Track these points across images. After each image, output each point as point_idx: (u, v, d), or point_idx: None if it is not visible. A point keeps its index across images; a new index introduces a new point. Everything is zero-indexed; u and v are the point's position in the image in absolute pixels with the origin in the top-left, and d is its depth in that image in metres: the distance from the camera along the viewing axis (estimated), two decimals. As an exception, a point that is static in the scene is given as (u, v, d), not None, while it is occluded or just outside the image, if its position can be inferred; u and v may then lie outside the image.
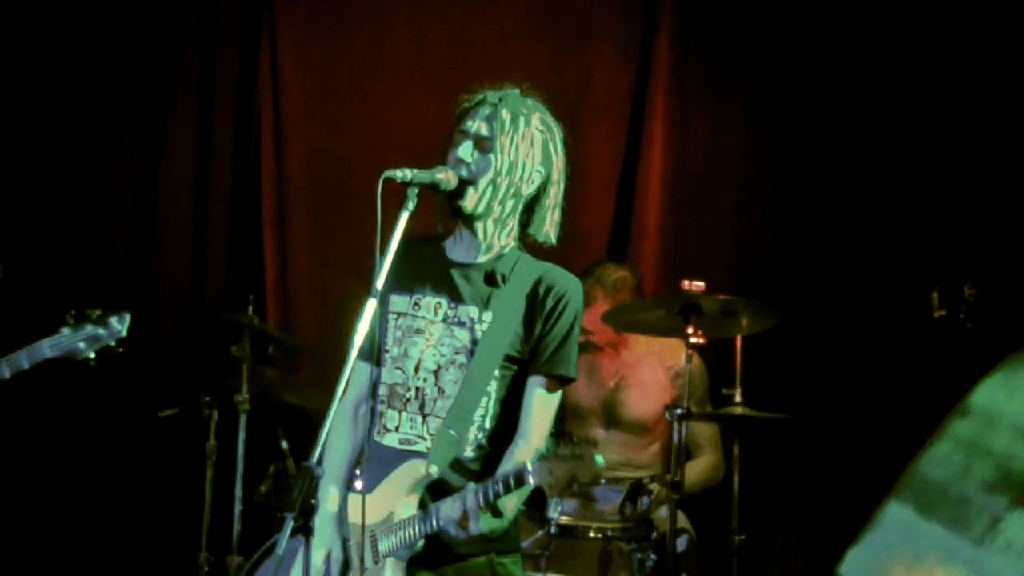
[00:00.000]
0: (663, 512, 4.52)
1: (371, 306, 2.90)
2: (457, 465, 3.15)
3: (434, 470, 3.10)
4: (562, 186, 3.26)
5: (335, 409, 2.78)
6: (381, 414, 3.24)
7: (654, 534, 4.41)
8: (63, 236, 5.73)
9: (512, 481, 2.88)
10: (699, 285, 4.48)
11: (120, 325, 3.77)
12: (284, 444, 4.85)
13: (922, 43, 5.18)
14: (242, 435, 4.73)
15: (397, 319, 3.24)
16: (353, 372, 3.18)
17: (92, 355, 3.76)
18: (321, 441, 2.77)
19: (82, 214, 5.79)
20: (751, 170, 5.59)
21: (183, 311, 5.75)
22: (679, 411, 4.43)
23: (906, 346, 4.91)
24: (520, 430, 3.17)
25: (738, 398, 4.54)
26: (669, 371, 5.10)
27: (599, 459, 2.80)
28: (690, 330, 4.47)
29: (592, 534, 4.46)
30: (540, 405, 3.18)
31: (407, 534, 3.07)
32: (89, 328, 3.75)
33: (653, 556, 4.35)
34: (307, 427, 4.84)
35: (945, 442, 2.12)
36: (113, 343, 3.77)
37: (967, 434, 2.11)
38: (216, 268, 5.89)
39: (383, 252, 2.95)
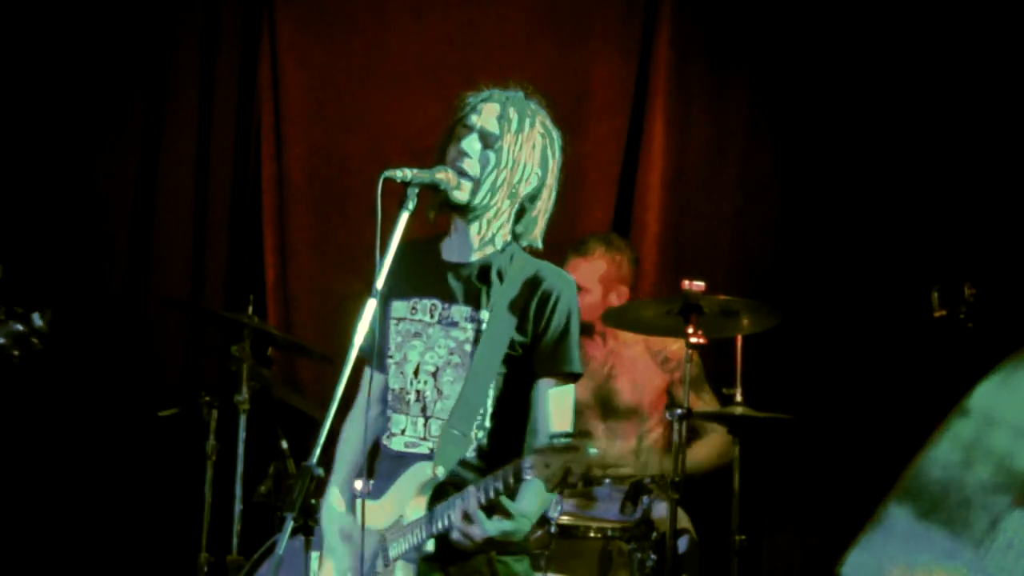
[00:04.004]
0: (663, 512, 4.52)
1: (371, 306, 2.91)
2: (462, 464, 3.14)
3: (440, 471, 3.09)
4: (554, 192, 3.26)
5: (333, 410, 2.79)
6: (388, 419, 3.25)
7: (654, 534, 4.41)
8: (63, 236, 5.73)
9: (510, 477, 2.87)
10: (699, 285, 4.48)
11: (41, 321, 3.78)
12: (284, 444, 4.85)
13: (922, 43, 5.18)
14: (242, 435, 4.73)
15: (397, 324, 3.25)
16: (364, 378, 3.26)
17: (16, 352, 3.78)
18: (321, 441, 2.78)
19: (82, 213, 5.79)
20: (751, 170, 5.59)
21: (183, 310, 5.74)
22: (679, 411, 4.43)
23: (906, 346, 4.91)
24: (539, 433, 3.16)
25: (738, 398, 4.54)
26: (657, 356, 5.09)
27: (592, 450, 2.78)
28: (690, 330, 4.47)
29: (592, 534, 4.46)
30: (556, 404, 3.17)
31: (416, 536, 3.07)
32: (11, 324, 3.77)
33: (653, 556, 4.35)
34: (307, 427, 4.84)
35: (945, 442, 2.12)
36: (35, 340, 3.78)
37: (967, 434, 2.11)
38: (216, 268, 5.89)
39: (383, 252, 2.95)
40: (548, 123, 3.26)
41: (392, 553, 3.12)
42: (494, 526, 2.96)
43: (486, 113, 3.18)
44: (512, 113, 3.17)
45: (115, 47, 5.81)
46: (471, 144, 3.16)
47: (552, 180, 3.24)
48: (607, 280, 5.04)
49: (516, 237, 3.26)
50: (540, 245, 3.27)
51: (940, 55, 5.13)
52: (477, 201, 3.16)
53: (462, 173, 3.14)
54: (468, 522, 2.95)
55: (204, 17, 5.92)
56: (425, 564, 3.08)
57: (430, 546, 3.06)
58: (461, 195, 3.15)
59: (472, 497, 2.94)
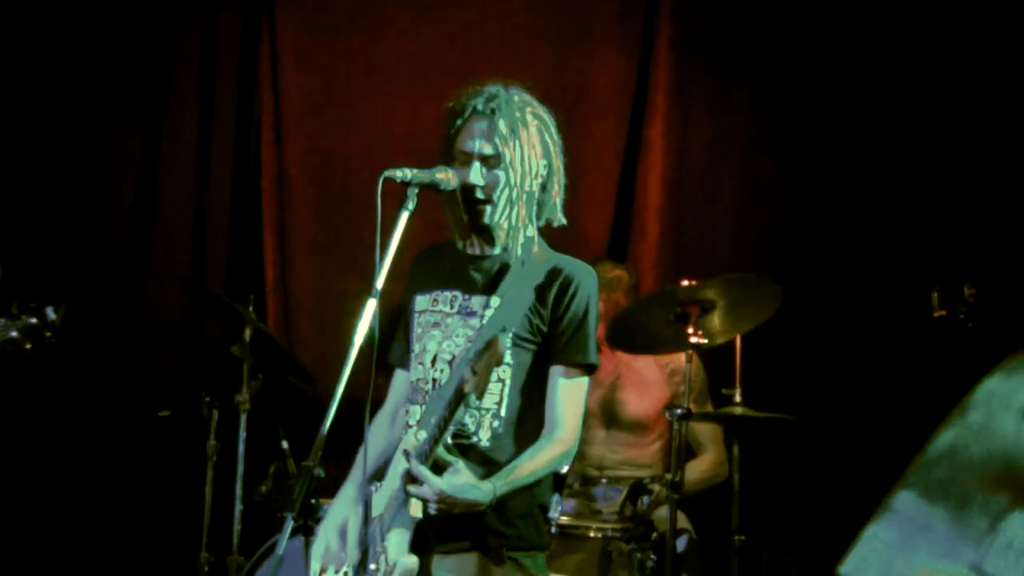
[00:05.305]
0: (663, 512, 4.52)
1: (371, 306, 2.91)
2: (475, 454, 3.13)
3: (422, 435, 3.09)
4: (563, 169, 3.30)
5: (333, 410, 2.81)
6: (407, 412, 3.27)
7: (654, 534, 4.41)
8: (63, 236, 5.73)
9: (452, 400, 2.91)
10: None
11: (55, 315, 3.80)
12: (284, 444, 4.85)
13: (922, 43, 5.18)
14: (242, 435, 4.73)
15: (419, 316, 3.28)
16: (394, 380, 3.33)
17: (29, 346, 3.79)
18: (321, 441, 2.79)
19: (82, 213, 5.79)
20: (751, 170, 5.59)
21: (188, 290, 5.71)
22: (679, 411, 4.43)
23: (906, 346, 4.91)
24: (548, 422, 3.18)
25: (738, 398, 4.54)
26: (665, 368, 5.09)
27: (505, 339, 2.88)
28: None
29: (592, 534, 4.46)
30: (565, 394, 3.19)
31: (398, 495, 3.09)
32: (25, 319, 3.78)
33: (653, 556, 4.35)
34: (308, 427, 4.84)
35: (945, 442, 2.12)
36: (48, 333, 3.79)
37: (967, 434, 2.11)
38: (216, 268, 5.89)
39: (383, 252, 2.97)
40: (537, 109, 3.27)
41: (387, 527, 3.12)
42: (445, 481, 2.97)
43: (479, 135, 3.19)
44: (504, 127, 3.18)
45: (116, 47, 5.80)
46: (476, 175, 3.19)
47: (558, 162, 3.28)
48: (606, 314, 5.03)
49: (541, 218, 3.29)
50: (564, 220, 3.31)
51: (940, 56, 5.13)
52: (498, 219, 3.21)
53: (479, 200, 3.18)
54: (417, 484, 2.97)
55: (204, 17, 5.92)
56: (437, 545, 3.10)
57: (418, 512, 3.04)
58: (483, 220, 3.20)
59: (413, 456, 2.98)
